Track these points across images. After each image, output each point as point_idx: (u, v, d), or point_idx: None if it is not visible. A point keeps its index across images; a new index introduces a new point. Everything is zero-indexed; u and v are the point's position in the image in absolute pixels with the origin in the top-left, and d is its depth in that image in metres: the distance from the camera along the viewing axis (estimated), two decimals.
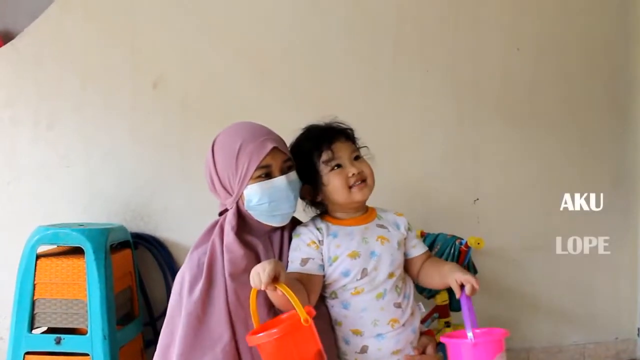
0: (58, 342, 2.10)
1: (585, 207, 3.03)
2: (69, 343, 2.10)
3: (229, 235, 1.35)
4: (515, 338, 2.96)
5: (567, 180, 3.02)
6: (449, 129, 2.89)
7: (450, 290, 2.49)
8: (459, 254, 2.41)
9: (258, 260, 1.33)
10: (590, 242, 3.04)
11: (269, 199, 1.33)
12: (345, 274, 1.36)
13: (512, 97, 2.96)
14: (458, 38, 2.90)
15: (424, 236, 2.60)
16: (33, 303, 2.12)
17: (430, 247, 2.52)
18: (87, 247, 2.10)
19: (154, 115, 2.63)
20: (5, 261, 2.38)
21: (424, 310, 1.52)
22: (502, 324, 2.90)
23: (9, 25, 2.64)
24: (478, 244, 2.33)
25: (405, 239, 1.47)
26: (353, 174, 1.37)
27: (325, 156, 1.39)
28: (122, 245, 2.40)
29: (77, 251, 2.16)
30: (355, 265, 1.35)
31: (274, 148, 1.34)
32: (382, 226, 1.44)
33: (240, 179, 1.32)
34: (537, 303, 3.00)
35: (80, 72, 2.60)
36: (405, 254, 1.48)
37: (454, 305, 2.51)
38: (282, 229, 1.44)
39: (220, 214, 1.48)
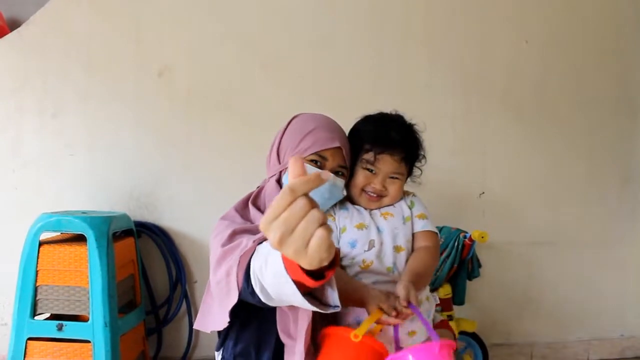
0: (60, 328, 2.10)
1: (592, 203, 3.02)
2: (71, 330, 2.11)
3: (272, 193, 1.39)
4: (519, 333, 2.95)
5: (575, 175, 3.00)
6: (456, 122, 2.87)
7: (453, 284, 2.51)
8: (463, 247, 2.40)
9: None
10: (596, 238, 3.03)
11: None
12: (352, 244, 1.38)
13: (520, 91, 2.94)
14: (466, 31, 2.88)
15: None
16: (35, 289, 2.12)
17: None
18: (90, 234, 2.10)
19: (159, 105, 2.63)
20: (10, 248, 2.39)
21: (438, 301, 1.55)
22: (506, 318, 2.93)
23: (16, 13, 2.65)
24: (482, 237, 2.31)
25: (411, 214, 1.48)
26: (374, 187, 1.42)
27: (368, 156, 1.42)
28: (125, 233, 2.41)
29: (79, 239, 2.16)
30: (362, 236, 1.38)
31: (338, 148, 1.37)
32: (388, 205, 1.48)
33: (299, 151, 1.35)
34: (542, 298, 2.98)
35: (85, 61, 2.60)
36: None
37: (456, 298, 2.50)
38: None
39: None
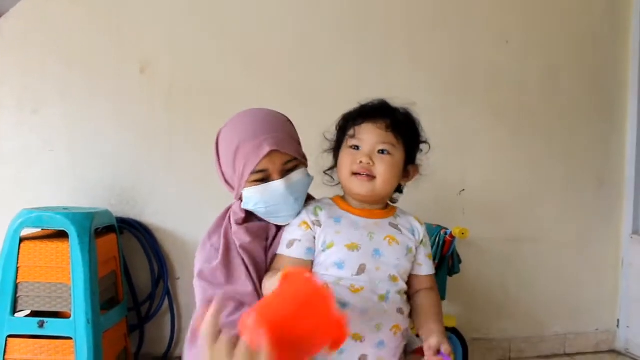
0: (41, 325, 2.08)
1: (570, 201, 3.08)
2: (52, 327, 2.09)
3: (234, 227, 1.29)
4: (497, 328, 3.00)
5: (552, 174, 3.06)
6: (436, 121, 2.90)
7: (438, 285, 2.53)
8: (444, 244, 2.43)
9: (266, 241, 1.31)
10: (573, 235, 3.10)
11: (265, 204, 1.24)
12: (339, 265, 1.19)
13: (500, 91, 2.98)
14: (447, 31, 2.91)
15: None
16: (16, 286, 2.10)
17: None
18: (72, 230, 2.09)
19: (140, 100, 2.62)
20: None
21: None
22: (484, 313, 2.98)
23: None
24: (463, 234, 2.35)
25: (416, 249, 1.30)
26: (360, 162, 1.22)
27: (350, 132, 1.26)
28: (107, 229, 2.39)
29: (61, 235, 2.15)
30: (352, 258, 1.19)
31: (272, 151, 1.21)
32: (395, 226, 1.27)
33: (238, 180, 1.24)
34: (520, 294, 3.04)
35: (65, 56, 2.58)
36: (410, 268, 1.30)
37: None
38: None
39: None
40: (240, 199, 1.28)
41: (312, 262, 1.24)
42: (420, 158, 1.34)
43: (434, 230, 2.49)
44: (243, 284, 1.23)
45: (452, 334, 2.65)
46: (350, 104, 2.82)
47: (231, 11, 2.68)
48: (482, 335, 2.97)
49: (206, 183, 2.62)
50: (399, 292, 1.24)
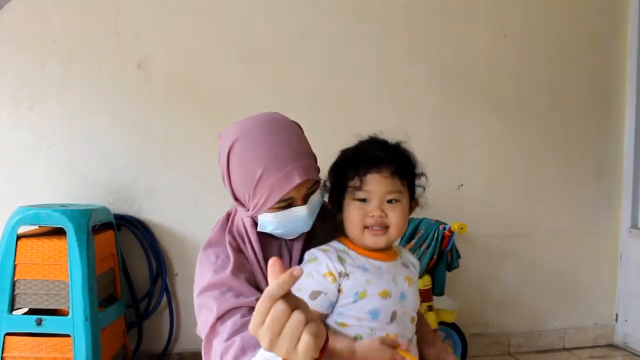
0: (39, 323, 2.08)
1: (568, 195, 3.08)
2: (50, 324, 2.08)
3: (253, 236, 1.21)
4: (496, 323, 3.01)
5: (551, 169, 3.06)
6: (435, 117, 2.90)
7: (433, 275, 2.53)
8: (443, 239, 2.43)
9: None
10: (572, 229, 3.10)
11: (283, 228, 1.19)
12: (374, 314, 1.14)
13: (498, 86, 2.98)
14: (445, 26, 2.90)
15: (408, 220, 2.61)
16: (13, 284, 2.09)
17: (414, 231, 2.54)
18: (69, 227, 2.08)
19: (138, 97, 2.61)
20: None
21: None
22: (483, 308, 2.98)
23: None
24: (461, 228, 2.34)
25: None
26: (373, 216, 1.16)
27: (353, 182, 1.18)
28: (104, 226, 2.38)
29: (58, 232, 2.14)
30: (386, 306, 1.15)
31: (301, 181, 1.13)
32: (406, 265, 1.26)
33: (257, 207, 1.14)
34: (519, 289, 3.04)
35: (61, 52, 2.56)
36: None
37: (436, 289, 2.54)
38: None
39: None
40: (254, 220, 1.21)
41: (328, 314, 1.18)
42: (420, 192, 1.28)
43: (432, 226, 2.48)
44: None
45: (451, 329, 2.66)
46: (348, 101, 2.83)
47: (228, 7, 2.67)
48: (481, 330, 2.97)
49: (204, 179, 2.62)
50: (416, 332, 1.24)
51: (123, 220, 2.56)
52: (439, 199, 2.84)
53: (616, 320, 3.19)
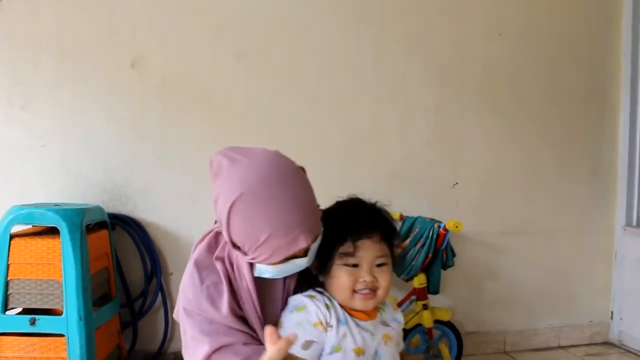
0: (33, 322, 2.07)
1: (563, 194, 3.09)
2: (44, 324, 2.07)
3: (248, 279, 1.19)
4: (491, 321, 3.01)
5: (546, 166, 3.07)
6: (429, 114, 2.90)
7: (428, 273, 2.53)
8: (437, 237, 2.43)
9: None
10: (566, 227, 3.10)
11: (282, 274, 1.18)
12: None
13: (494, 83, 2.98)
14: (441, 23, 2.90)
15: (402, 219, 2.61)
16: (7, 283, 2.08)
17: (409, 230, 2.53)
18: (63, 226, 2.06)
19: (132, 95, 2.60)
20: None
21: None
22: (479, 307, 2.98)
23: None
24: (456, 227, 2.34)
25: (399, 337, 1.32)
26: (364, 281, 1.18)
27: (345, 248, 1.19)
28: (98, 225, 2.37)
29: (52, 231, 2.13)
30: None
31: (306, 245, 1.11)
32: (385, 323, 1.27)
33: (256, 260, 1.12)
34: (514, 287, 3.04)
35: (55, 50, 2.55)
36: None
37: (431, 288, 2.53)
38: None
39: None
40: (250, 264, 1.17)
41: None
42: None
43: (427, 224, 2.48)
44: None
45: (447, 327, 2.65)
46: (344, 98, 2.82)
47: (224, 6, 2.66)
48: (476, 328, 2.97)
49: (199, 178, 2.61)
50: None
51: (117, 220, 2.55)
52: (435, 197, 2.87)
53: (611, 318, 3.20)
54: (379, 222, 1.23)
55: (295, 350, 1.11)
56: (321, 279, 1.24)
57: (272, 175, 1.08)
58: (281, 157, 1.14)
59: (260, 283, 1.19)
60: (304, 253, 1.14)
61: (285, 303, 1.24)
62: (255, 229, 1.06)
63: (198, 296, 1.15)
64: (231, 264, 1.20)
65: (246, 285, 1.18)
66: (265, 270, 1.15)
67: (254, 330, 1.17)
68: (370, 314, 1.23)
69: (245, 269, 1.17)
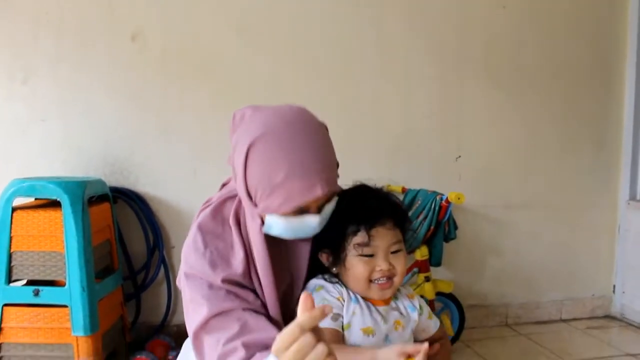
0: (36, 294, 2.08)
1: (567, 167, 3.07)
2: (48, 295, 2.09)
3: (261, 254, 1.15)
4: (494, 294, 3.02)
5: (550, 140, 3.05)
6: (432, 87, 2.88)
7: (430, 245, 2.53)
8: (440, 209, 2.43)
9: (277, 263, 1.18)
10: (570, 201, 3.09)
11: (289, 234, 1.14)
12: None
13: (497, 56, 2.95)
14: None
15: (404, 192, 2.61)
16: (10, 255, 2.09)
17: (411, 202, 2.53)
18: (64, 199, 2.07)
19: (133, 69, 2.58)
20: None
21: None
22: (481, 280, 2.99)
23: None
24: (459, 198, 2.33)
25: (416, 325, 1.28)
26: (381, 269, 1.17)
27: (359, 238, 1.17)
28: (100, 198, 2.38)
29: (54, 205, 2.13)
30: (367, 343, 1.16)
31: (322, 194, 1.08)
32: (398, 310, 1.25)
33: (268, 208, 1.08)
34: (516, 260, 3.04)
35: (55, 24, 2.52)
36: (414, 337, 1.29)
37: (433, 260, 2.54)
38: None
39: None
40: (260, 218, 1.14)
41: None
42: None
43: (429, 196, 2.48)
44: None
45: (449, 299, 2.66)
46: (346, 72, 2.79)
47: None
48: (479, 301, 2.98)
49: (201, 151, 2.62)
50: None
51: (119, 193, 2.55)
52: (437, 170, 2.86)
53: (614, 291, 3.20)
54: (390, 208, 1.22)
55: (327, 322, 1.14)
56: (335, 270, 1.23)
57: (296, 122, 1.08)
58: (307, 111, 1.14)
59: (271, 251, 1.16)
60: (317, 210, 1.12)
61: (299, 273, 1.24)
62: (273, 169, 1.04)
63: (200, 260, 1.13)
64: (245, 230, 1.18)
65: (257, 250, 1.14)
66: (275, 225, 1.11)
67: (262, 299, 1.16)
68: (384, 300, 1.23)
69: (255, 231, 1.14)
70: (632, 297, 3.10)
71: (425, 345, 0.97)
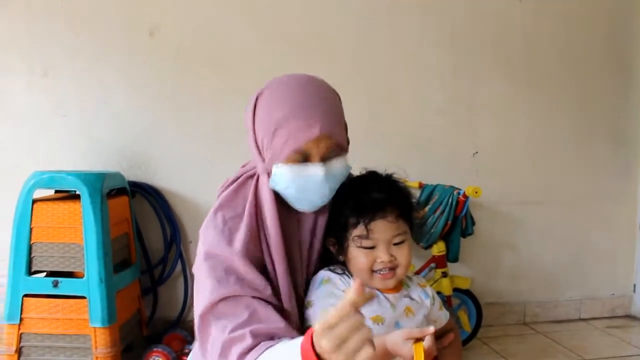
0: (56, 285, 2.10)
1: (585, 160, 3.03)
2: (66, 286, 2.11)
3: (270, 213, 1.14)
4: (511, 292, 2.99)
5: (566, 132, 3.02)
6: (445, 80, 2.86)
7: (447, 241, 2.52)
8: (457, 204, 2.41)
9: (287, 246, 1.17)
10: (587, 196, 3.05)
11: (296, 188, 1.12)
12: None
13: (512, 49, 2.93)
14: None
15: (422, 187, 2.60)
16: (30, 247, 2.12)
17: (428, 197, 2.52)
18: (83, 191, 2.09)
19: (150, 63, 2.60)
20: (1, 208, 2.36)
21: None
22: (498, 277, 2.96)
23: None
24: (476, 192, 2.33)
25: (429, 312, 1.27)
26: (382, 262, 1.16)
27: (358, 231, 1.16)
28: (119, 192, 2.40)
29: (73, 197, 2.16)
30: (378, 332, 1.11)
31: (321, 135, 1.09)
32: (409, 297, 1.24)
33: (273, 155, 1.10)
34: (534, 258, 3.01)
35: (73, 19, 2.56)
36: None
37: (450, 255, 2.52)
38: (315, 213, 1.21)
39: None
40: (268, 175, 1.15)
41: None
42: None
43: (447, 191, 2.47)
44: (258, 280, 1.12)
45: (466, 296, 2.64)
46: (358, 63, 2.78)
47: None
48: (495, 299, 2.95)
49: (217, 145, 2.62)
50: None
51: (137, 187, 2.57)
52: (454, 166, 2.84)
53: (634, 290, 3.15)
54: (393, 199, 1.18)
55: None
56: (341, 258, 1.22)
57: (303, 77, 1.16)
58: (318, 76, 1.19)
59: (286, 226, 1.16)
60: (321, 160, 1.11)
61: (312, 249, 1.23)
62: (275, 109, 1.09)
63: (218, 236, 1.13)
64: (260, 203, 1.17)
65: (268, 210, 1.14)
66: (280, 177, 1.11)
67: (273, 278, 1.15)
68: (394, 288, 1.21)
69: (265, 190, 1.14)
70: None
71: (432, 328, 0.96)
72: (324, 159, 1.12)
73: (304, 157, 1.10)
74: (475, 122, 2.90)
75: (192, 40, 2.62)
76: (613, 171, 3.09)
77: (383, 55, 2.78)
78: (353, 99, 2.72)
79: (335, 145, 1.12)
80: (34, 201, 2.13)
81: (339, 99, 1.18)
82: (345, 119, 1.19)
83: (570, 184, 3.03)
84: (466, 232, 2.52)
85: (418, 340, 0.98)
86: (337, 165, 1.14)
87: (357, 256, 1.17)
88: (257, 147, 1.14)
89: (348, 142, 1.19)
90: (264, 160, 1.13)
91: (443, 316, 1.31)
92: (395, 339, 1.00)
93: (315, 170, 1.10)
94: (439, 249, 2.49)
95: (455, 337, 1.27)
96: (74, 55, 2.56)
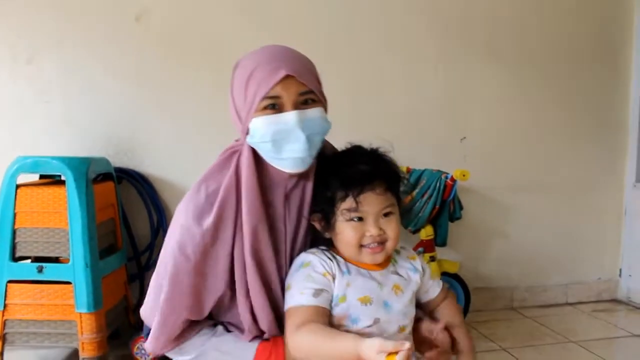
0: (40, 270, 2.07)
1: (573, 148, 3.05)
2: (51, 271, 2.08)
3: (249, 181, 1.16)
4: (499, 277, 3.00)
5: (555, 121, 3.04)
6: (437, 67, 2.86)
7: (435, 225, 2.52)
8: (445, 188, 2.42)
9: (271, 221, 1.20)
10: (575, 183, 3.07)
11: (271, 137, 1.11)
12: (354, 320, 1.15)
13: (501, 36, 2.94)
14: None
15: (409, 172, 2.59)
16: (14, 232, 2.09)
17: (416, 182, 2.52)
18: (68, 175, 2.06)
19: (137, 49, 2.58)
20: None
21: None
22: (486, 262, 2.97)
23: None
24: (464, 175, 2.33)
25: (419, 287, 1.27)
26: (371, 235, 1.16)
27: (347, 204, 1.16)
28: (104, 177, 2.37)
29: (58, 182, 2.14)
30: (366, 312, 1.15)
31: (287, 77, 1.09)
32: (397, 273, 1.24)
33: (248, 109, 1.13)
34: (522, 243, 3.03)
35: (59, 4, 2.52)
36: (417, 299, 1.29)
37: (438, 239, 2.53)
38: (302, 184, 1.22)
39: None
40: (247, 134, 1.16)
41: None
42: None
43: (434, 175, 2.47)
44: (216, 279, 1.18)
45: (454, 280, 2.65)
46: (349, 52, 2.77)
47: None
48: (484, 284, 2.96)
49: (203, 131, 2.60)
50: (406, 339, 1.19)
51: (123, 173, 2.54)
52: (442, 151, 2.84)
53: (620, 275, 3.18)
54: (381, 172, 1.18)
55: (307, 300, 1.12)
56: (327, 235, 1.21)
57: (280, 45, 1.20)
58: None
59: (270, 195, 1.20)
60: (294, 107, 1.12)
61: (299, 227, 1.24)
62: (246, 68, 1.15)
63: (194, 213, 1.18)
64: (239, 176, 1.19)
65: (249, 185, 1.16)
66: (256, 129, 1.13)
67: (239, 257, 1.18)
68: (380, 264, 1.21)
69: (245, 154, 1.18)
70: (639, 281, 3.07)
71: (407, 344, 0.93)
72: (297, 107, 1.13)
73: (277, 105, 1.12)
74: (465, 109, 2.91)
75: (178, 25, 2.60)
76: (600, 158, 3.12)
77: (375, 43, 2.78)
78: (343, 86, 2.75)
79: (306, 90, 1.13)
80: (18, 186, 2.09)
81: (313, 64, 1.21)
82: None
83: (559, 171, 3.05)
84: (454, 217, 2.52)
85: (392, 353, 0.95)
86: (313, 113, 1.14)
87: (345, 230, 1.16)
88: (237, 112, 1.18)
89: (325, 98, 1.20)
90: (241, 121, 1.16)
91: (436, 285, 1.31)
92: (369, 352, 0.97)
93: (288, 117, 1.12)
94: (426, 233, 2.49)
95: (451, 299, 1.32)
96: (59, 41, 2.53)
